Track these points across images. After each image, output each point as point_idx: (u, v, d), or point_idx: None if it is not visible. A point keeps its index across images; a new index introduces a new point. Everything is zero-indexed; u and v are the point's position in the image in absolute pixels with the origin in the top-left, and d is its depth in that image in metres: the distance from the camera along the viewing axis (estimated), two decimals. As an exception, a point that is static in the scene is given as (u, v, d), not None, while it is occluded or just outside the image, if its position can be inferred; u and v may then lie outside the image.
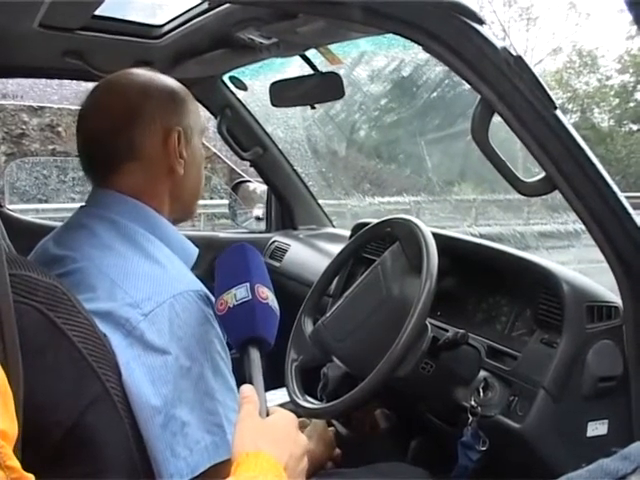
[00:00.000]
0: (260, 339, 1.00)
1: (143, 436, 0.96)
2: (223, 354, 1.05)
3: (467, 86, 1.28)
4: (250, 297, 1.00)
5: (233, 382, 1.05)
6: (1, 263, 0.73)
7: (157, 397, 0.95)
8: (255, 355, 0.99)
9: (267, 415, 0.91)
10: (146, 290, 1.01)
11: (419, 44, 1.25)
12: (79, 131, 1.20)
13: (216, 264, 1.09)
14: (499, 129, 1.34)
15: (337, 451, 1.66)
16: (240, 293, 1.01)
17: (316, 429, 1.64)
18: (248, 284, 1.01)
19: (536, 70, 1.24)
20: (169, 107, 1.17)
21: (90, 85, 1.23)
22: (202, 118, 1.25)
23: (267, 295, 1.03)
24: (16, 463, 0.62)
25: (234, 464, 0.81)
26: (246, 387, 0.93)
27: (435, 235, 1.49)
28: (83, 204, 1.19)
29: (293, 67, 2.10)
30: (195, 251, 1.21)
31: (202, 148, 1.24)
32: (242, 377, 1.02)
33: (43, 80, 2.60)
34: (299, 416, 1.08)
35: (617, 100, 16.58)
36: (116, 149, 1.15)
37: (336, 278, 1.91)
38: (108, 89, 1.19)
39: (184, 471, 0.95)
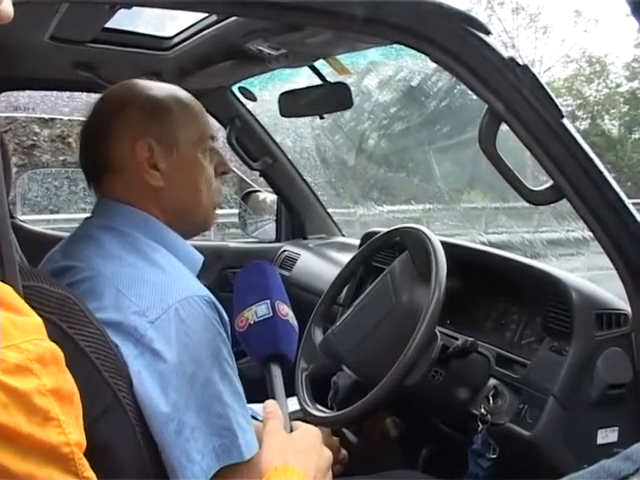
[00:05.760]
0: (282, 355, 1.02)
1: (158, 444, 0.96)
2: (230, 360, 1.05)
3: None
4: (271, 314, 1.02)
5: (241, 388, 1.05)
6: (15, 274, 0.74)
7: (168, 404, 0.96)
8: (277, 371, 1.01)
9: (291, 430, 0.93)
10: (151, 297, 1.01)
11: (425, 54, 1.26)
12: None
13: (235, 281, 1.11)
14: (507, 138, 1.34)
15: (343, 452, 1.64)
16: (261, 310, 1.02)
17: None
18: (269, 301, 1.03)
19: (546, 77, 1.25)
20: (143, 117, 1.14)
21: (100, 97, 1.24)
22: (203, 129, 1.19)
23: (287, 312, 1.05)
24: (92, 474, 0.62)
25: (263, 479, 0.82)
26: (270, 402, 0.94)
27: (444, 244, 1.49)
28: (89, 215, 1.20)
29: (302, 77, 2.11)
30: (200, 258, 1.20)
31: (201, 159, 1.18)
32: (247, 385, 1.03)
33: (54, 92, 2.63)
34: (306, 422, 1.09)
35: (627, 107, 16.53)
36: (92, 161, 1.17)
37: (346, 287, 1.91)
38: (96, 102, 1.21)
39: (199, 475, 0.96)
